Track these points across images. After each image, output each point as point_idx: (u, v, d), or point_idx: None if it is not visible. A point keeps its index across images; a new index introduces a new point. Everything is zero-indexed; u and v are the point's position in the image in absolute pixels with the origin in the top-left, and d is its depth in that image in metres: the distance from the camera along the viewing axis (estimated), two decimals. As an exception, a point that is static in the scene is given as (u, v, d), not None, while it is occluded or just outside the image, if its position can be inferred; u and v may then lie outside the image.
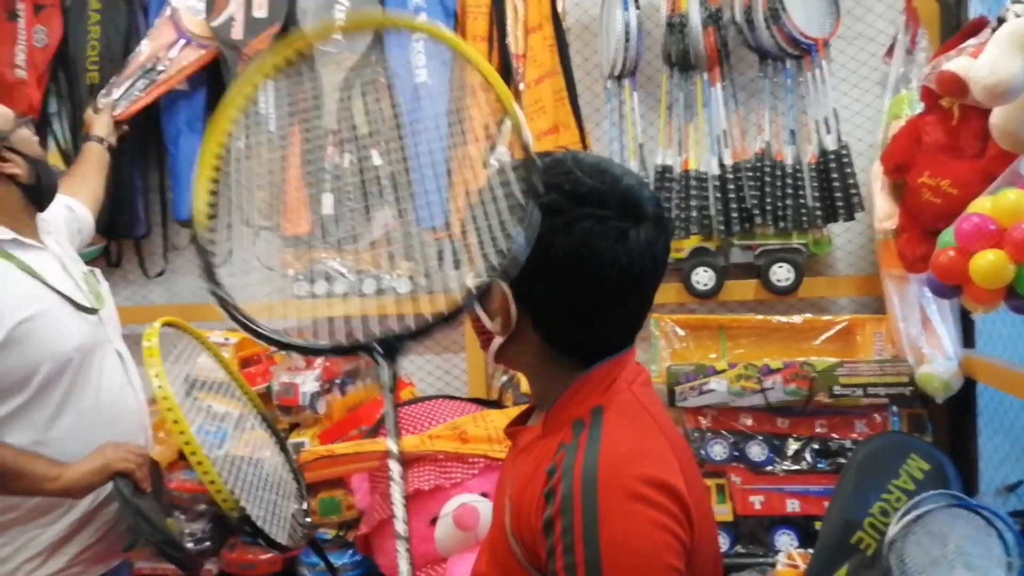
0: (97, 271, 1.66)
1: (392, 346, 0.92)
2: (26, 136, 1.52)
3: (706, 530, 0.84)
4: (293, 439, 2.16)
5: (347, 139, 2.27)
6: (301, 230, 2.32)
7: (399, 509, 0.88)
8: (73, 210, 1.79)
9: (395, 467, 0.91)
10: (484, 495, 1.74)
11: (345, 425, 2.14)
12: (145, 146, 2.46)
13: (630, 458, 0.79)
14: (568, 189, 0.83)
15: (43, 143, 2.42)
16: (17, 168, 1.47)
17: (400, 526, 0.88)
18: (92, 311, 1.52)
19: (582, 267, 0.81)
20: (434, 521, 1.77)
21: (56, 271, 1.51)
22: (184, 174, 2.37)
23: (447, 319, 0.89)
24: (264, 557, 2.13)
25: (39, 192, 1.52)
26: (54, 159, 2.42)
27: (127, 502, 1.40)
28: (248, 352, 2.32)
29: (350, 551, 2.05)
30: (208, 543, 2.20)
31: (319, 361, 2.20)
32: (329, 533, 2.11)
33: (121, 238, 2.49)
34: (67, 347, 1.44)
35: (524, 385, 2.13)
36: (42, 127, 2.41)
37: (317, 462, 1.93)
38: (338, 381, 2.27)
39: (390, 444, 0.91)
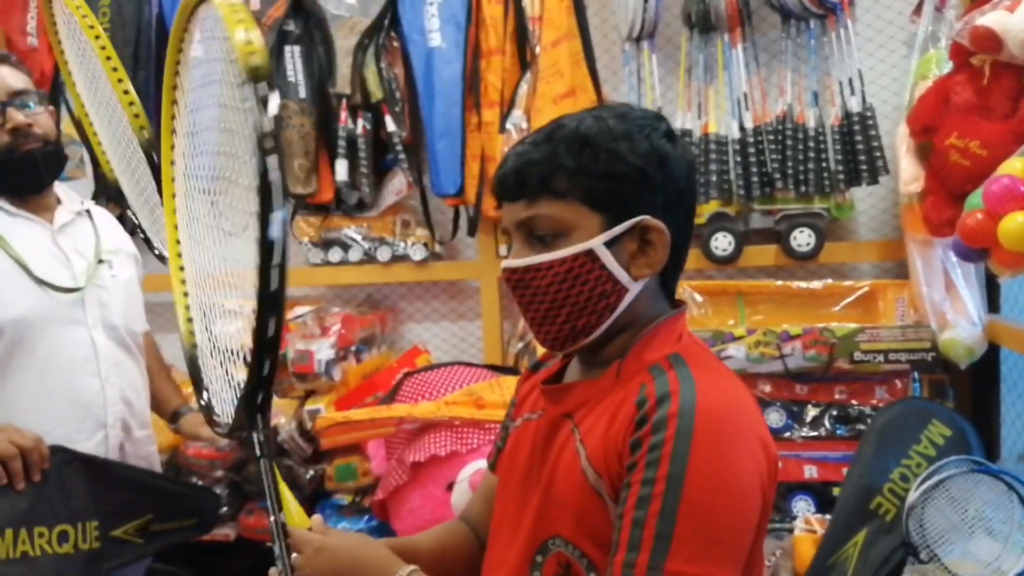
0: (125, 265, 1.60)
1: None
2: (13, 115, 1.44)
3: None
4: (308, 406, 2.17)
5: (359, 105, 2.24)
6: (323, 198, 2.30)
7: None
8: (137, 261, 1.71)
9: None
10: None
11: (360, 392, 2.15)
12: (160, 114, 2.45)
13: (726, 401, 0.79)
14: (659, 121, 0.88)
15: (56, 111, 2.41)
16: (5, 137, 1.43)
17: None
18: (65, 290, 1.46)
19: (690, 185, 0.88)
20: (450, 487, 1.77)
21: (35, 241, 1.46)
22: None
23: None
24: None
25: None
26: (67, 127, 2.41)
27: None
28: (263, 319, 2.32)
29: (366, 516, 2.06)
30: (225, 508, 2.22)
31: (334, 328, 2.20)
32: (345, 499, 2.12)
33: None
34: (1, 316, 1.39)
35: (540, 351, 2.12)
36: (54, 95, 2.39)
37: (333, 428, 1.94)
38: (353, 348, 2.27)
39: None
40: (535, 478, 0.91)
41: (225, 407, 0.94)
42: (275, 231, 0.71)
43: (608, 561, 0.79)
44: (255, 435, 0.84)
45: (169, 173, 1.09)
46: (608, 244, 0.83)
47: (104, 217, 1.66)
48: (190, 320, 1.05)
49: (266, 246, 0.71)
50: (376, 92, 2.24)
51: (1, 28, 2.46)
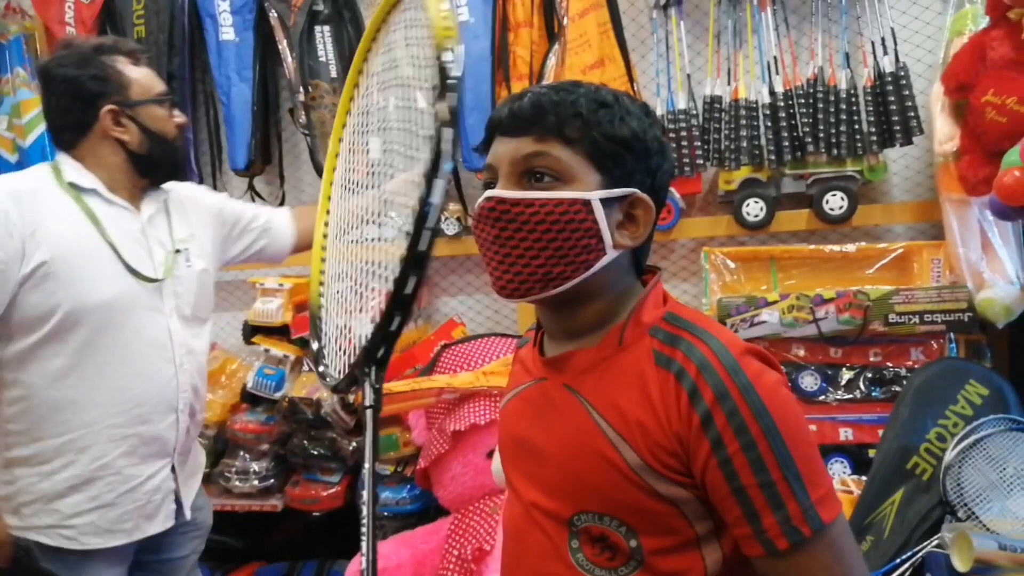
0: (198, 257, 1.64)
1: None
2: (155, 113, 1.55)
3: None
4: (350, 379, 2.22)
5: (389, 81, 2.26)
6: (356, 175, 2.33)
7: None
8: (230, 212, 1.78)
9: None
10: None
11: (400, 364, 2.19)
12: (195, 97, 2.50)
13: (732, 337, 0.84)
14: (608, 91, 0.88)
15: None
16: (127, 135, 1.52)
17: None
18: (149, 279, 1.53)
19: (665, 161, 0.89)
20: (490, 454, 1.82)
21: (127, 230, 1.53)
22: (238, 123, 2.40)
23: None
24: (326, 493, 2.22)
25: (147, 164, 1.56)
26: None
27: None
28: (302, 297, 2.37)
29: (408, 485, 2.12)
30: (272, 480, 2.30)
31: (372, 303, 2.24)
32: (388, 469, 2.18)
33: (175, 189, 2.55)
34: (92, 298, 1.44)
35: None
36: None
37: (375, 400, 1.99)
38: (391, 322, 2.31)
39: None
40: (541, 455, 0.90)
41: (339, 363, 0.98)
42: (436, 197, 0.76)
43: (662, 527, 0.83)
44: (368, 385, 0.87)
45: (335, 149, 1.18)
46: (602, 202, 0.84)
47: (178, 197, 1.68)
48: (321, 283, 1.11)
49: (424, 209, 0.76)
50: (406, 68, 2.25)
51: (40, 18, 2.52)
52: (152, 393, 1.53)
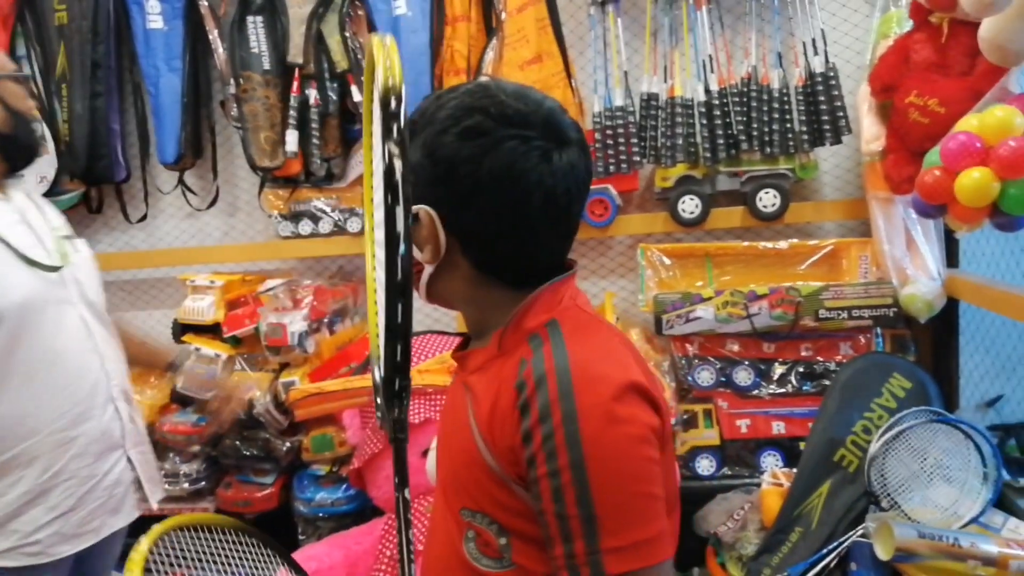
0: (79, 242, 1.57)
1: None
2: (14, 89, 1.45)
3: (669, 420, 0.86)
4: (283, 379, 2.17)
5: (313, 75, 2.21)
6: (291, 171, 2.28)
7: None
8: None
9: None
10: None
11: (335, 363, 2.15)
12: (122, 87, 2.41)
13: (597, 363, 0.79)
14: (493, 111, 0.82)
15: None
16: None
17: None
18: (51, 268, 1.43)
19: (511, 186, 0.81)
20: (425, 453, 1.79)
21: (7, 222, 1.43)
22: (167, 115, 2.32)
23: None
24: (260, 494, 2.17)
25: (12, 145, 1.45)
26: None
27: None
28: (234, 294, 2.31)
29: (344, 485, 2.09)
30: (203, 483, 2.23)
31: (306, 300, 2.20)
32: (322, 469, 2.14)
33: (101, 183, 2.45)
34: (3, 303, 1.34)
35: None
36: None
37: (308, 400, 1.95)
38: (326, 320, 2.27)
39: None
40: (445, 448, 0.94)
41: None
42: (399, 225, 0.75)
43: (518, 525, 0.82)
44: (390, 419, 0.87)
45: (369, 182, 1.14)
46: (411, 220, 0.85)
47: (35, 195, 1.61)
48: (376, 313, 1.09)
49: (392, 239, 0.75)
50: (341, 62, 2.22)
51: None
52: (86, 388, 1.46)
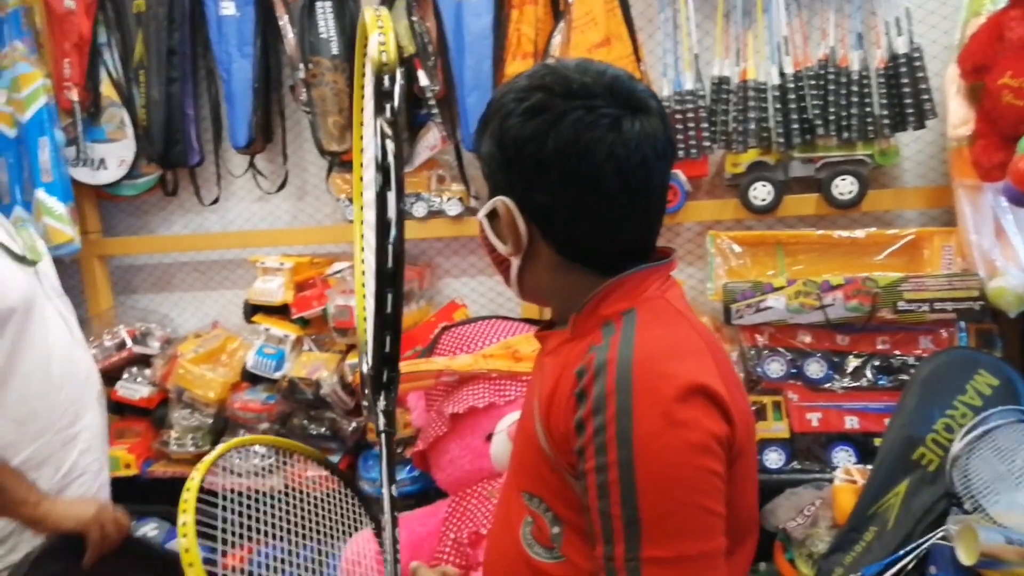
0: (31, 228, 1.53)
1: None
2: None
3: (748, 434, 0.81)
4: (349, 360, 2.21)
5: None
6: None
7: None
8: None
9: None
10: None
11: (400, 345, 2.17)
12: (196, 74, 2.47)
13: (664, 358, 0.75)
14: (555, 88, 0.79)
15: (95, 74, 2.44)
16: None
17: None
18: (30, 263, 1.41)
19: (579, 160, 0.78)
20: (489, 437, 1.80)
21: None
22: (239, 100, 2.37)
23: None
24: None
25: None
26: (107, 90, 2.45)
27: (48, 558, 1.21)
28: (303, 276, 2.35)
29: (408, 467, 2.11)
30: (271, 459, 2.29)
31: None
32: (387, 450, 2.17)
33: (176, 167, 2.52)
34: (10, 298, 1.30)
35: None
36: (93, 58, 2.42)
37: (374, 381, 1.97)
38: (392, 304, 2.29)
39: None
40: (519, 428, 0.92)
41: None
42: (391, 211, 0.75)
43: (568, 514, 0.80)
44: (377, 410, 0.87)
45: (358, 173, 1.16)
46: (489, 216, 0.86)
47: None
48: (364, 308, 1.11)
49: (383, 225, 0.75)
50: (408, 46, 2.22)
51: (39, -9, 2.49)
52: (80, 381, 1.45)
